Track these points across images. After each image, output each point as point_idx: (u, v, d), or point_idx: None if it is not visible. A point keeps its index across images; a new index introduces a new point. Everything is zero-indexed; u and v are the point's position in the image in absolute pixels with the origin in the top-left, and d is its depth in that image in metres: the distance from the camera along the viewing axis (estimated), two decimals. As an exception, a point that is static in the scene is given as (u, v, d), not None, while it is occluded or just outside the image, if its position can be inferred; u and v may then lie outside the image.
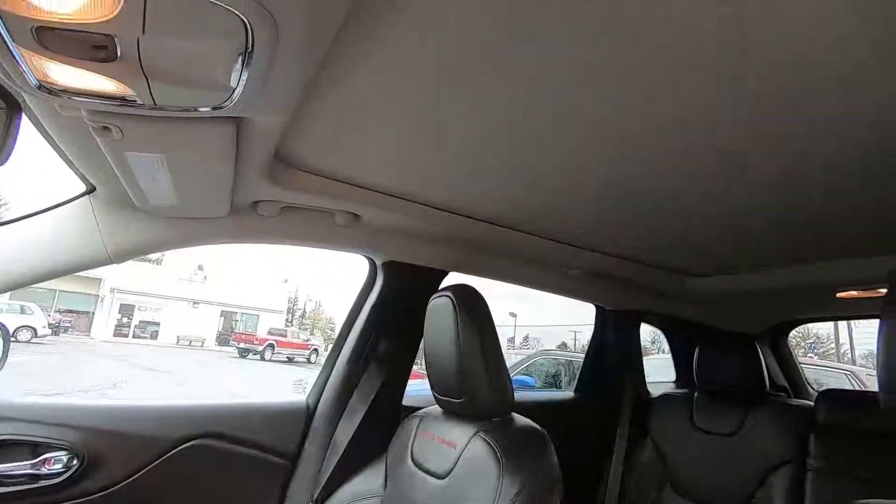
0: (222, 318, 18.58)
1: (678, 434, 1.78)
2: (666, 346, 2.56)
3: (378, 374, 1.42)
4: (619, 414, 2.01)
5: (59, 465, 1.04)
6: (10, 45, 0.49)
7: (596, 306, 2.17)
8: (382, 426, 1.32)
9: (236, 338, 15.73)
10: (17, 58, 0.51)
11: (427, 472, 1.05)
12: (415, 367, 1.54)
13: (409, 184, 1.09)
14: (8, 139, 0.72)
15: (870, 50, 0.55)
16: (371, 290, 1.50)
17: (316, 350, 15.65)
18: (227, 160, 0.83)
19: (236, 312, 19.05)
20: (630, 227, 1.30)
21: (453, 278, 1.55)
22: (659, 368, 2.93)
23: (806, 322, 2.66)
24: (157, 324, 16.64)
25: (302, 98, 0.67)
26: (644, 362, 2.25)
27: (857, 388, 4.00)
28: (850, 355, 14.12)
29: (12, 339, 1.43)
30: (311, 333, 22.91)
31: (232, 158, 0.82)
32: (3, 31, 0.47)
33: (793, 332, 2.71)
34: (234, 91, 0.59)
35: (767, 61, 0.58)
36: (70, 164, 0.90)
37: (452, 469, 0.99)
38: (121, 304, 15.92)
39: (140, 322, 16.43)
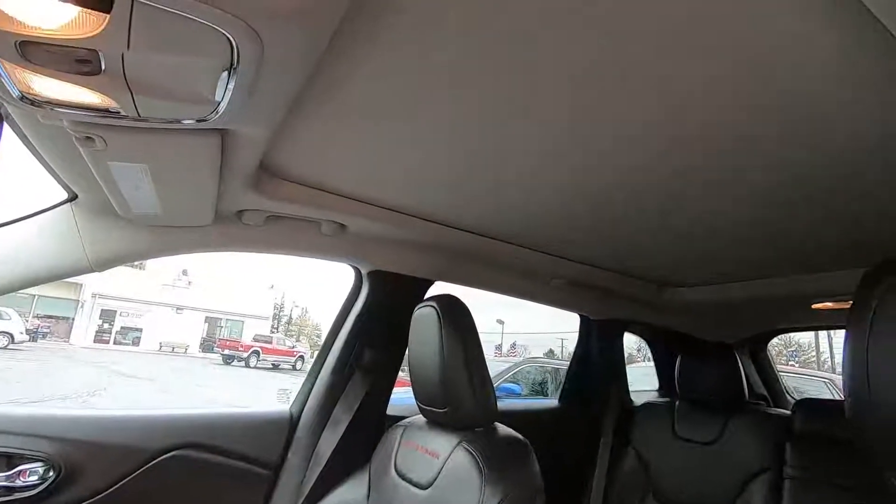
0: (206, 324, 18.28)
1: (660, 443, 1.80)
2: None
3: (363, 384, 1.42)
4: (603, 423, 2.03)
5: (35, 478, 1.01)
6: None
7: (580, 316, 2.19)
8: (367, 436, 1.31)
9: (221, 344, 15.49)
10: (0, 70, 0.51)
11: (410, 482, 1.05)
12: (401, 374, 1.54)
13: (395, 194, 1.10)
14: (-11, 147, 0.71)
15: (845, 68, 0.57)
16: (356, 299, 1.50)
17: (302, 357, 15.48)
18: (211, 171, 0.83)
19: (221, 318, 18.77)
20: (607, 238, 1.32)
21: (439, 288, 1.56)
22: (644, 377, 2.96)
23: (783, 332, 2.70)
24: (140, 330, 16.32)
25: (287, 110, 0.68)
26: (630, 370, 2.27)
27: (835, 395, 4.08)
28: (829, 363, 14.41)
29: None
30: (298, 340, 22.68)
31: (217, 169, 0.82)
32: None
33: (775, 341, 2.76)
34: (219, 104, 0.59)
35: (741, 76, 0.60)
36: (52, 171, 0.89)
37: (435, 479, 0.99)
38: (102, 310, 15.60)
39: (122, 328, 16.11)
